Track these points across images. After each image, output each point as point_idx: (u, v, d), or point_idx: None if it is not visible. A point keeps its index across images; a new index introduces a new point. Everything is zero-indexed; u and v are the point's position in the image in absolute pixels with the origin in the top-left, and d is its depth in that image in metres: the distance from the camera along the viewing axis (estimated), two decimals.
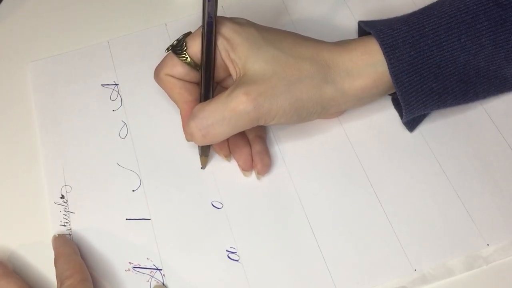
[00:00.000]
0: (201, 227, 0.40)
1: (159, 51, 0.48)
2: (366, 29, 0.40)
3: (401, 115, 0.43)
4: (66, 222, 0.41)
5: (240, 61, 0.37)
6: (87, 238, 0.40)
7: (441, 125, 0.43)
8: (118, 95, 0.47)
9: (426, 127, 0.43)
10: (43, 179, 0.43)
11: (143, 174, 0.43)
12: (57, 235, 0.40)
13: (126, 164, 0.43)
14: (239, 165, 0.42)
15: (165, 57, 0.40)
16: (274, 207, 0.41)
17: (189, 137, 0.38)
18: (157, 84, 0.47)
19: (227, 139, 0.42)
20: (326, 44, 0.39)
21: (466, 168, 0.41)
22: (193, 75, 0.40)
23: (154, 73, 0.41)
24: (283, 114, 0.37)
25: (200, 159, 0.42)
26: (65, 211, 0.41)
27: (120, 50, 0.49)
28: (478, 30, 0.38)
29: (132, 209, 0.41)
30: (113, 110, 0.46)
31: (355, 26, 0.47)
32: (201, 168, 0.43)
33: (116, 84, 0.47)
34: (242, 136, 0.42)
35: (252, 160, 0.41)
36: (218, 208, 0.41)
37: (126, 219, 0.41)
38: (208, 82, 0.39)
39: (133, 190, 0.42)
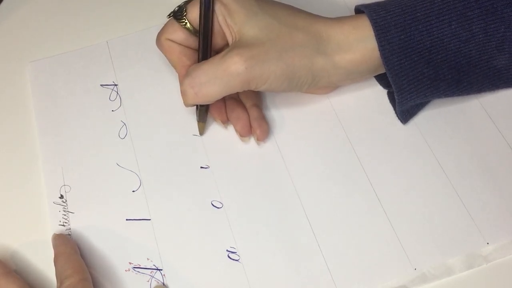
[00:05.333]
0: (201, 227, 0.40)
1: (158, 52, 0.48)
2: (360, 8, 0.41)
3: (395, 109, 0.43)
4: (66, 222, 0.41)
5: (236, 26, 0.39)
6: (87, 238, 0.40)
7: (441, 125, 0.43)
8: (117, 95, 0.47)
9: (426, 127, 0.43)
10: (42, 178, 0.43)
11: (143, 175, 0.42)
12: (56, 234, 0.40)
13: (125, 165, 0.43)
14: (237, 130, 0.43)
15: (167, 22, 0.42)
16: (274, 207, 0.41)
17: (184, 98, 0.40)
18: (156, 84, 0.47)
19: (225, 106, 0.43)
20: (320, 17, 0.41)
21: (465, 167, 0.41)
22: (192, 41, 0.41)
23: (156, 39, 0.42)
24: (274, 79, 0.38)
25: (198, 126, 0.43)
26: (64, 211, 0.41)
27: (119, 50, 0.49)
28: (469, 18, 0.39)
29: (132, 210, 0.41)
30: (112, 110, 0.46)
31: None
32: (199, 135, 0.44)
33: (115, 84, 0.47)
34: (239, 103, 0.43)
35: (251, 126, 0.42)
36: (218, 208, 0.41)
37: (126, 219, 0.41)
38: (205, 46, 0.41)
39: (133, 191, 0.42)
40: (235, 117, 0.42)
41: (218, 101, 0.42)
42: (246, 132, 0.42)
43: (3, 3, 0.53)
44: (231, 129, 0.44)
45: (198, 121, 0.43)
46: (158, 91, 0.46)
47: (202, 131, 0.44)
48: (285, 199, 0.41)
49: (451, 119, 0.43)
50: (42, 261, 0.39)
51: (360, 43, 0.39)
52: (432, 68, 0.39)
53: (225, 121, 0.43)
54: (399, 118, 0.43)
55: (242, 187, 0.42)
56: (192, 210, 0.41)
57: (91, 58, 0.49)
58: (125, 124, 0.45)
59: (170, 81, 0.47)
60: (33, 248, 0.40)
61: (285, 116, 0.45)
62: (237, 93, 0.44)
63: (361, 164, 0.42)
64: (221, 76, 0.38)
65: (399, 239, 0.39)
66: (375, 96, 0.45)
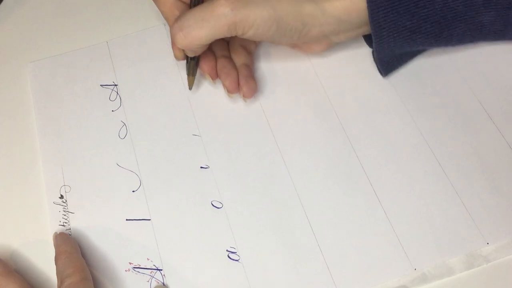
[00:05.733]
0: (201, 227, 0.40)
1: (158, 52, 0.48)
2: None
3: (377, 64, 0.44)
4: (66, 222, 0.41)
5: None
6: (87, 238, 0.40)
7: (441, 125, 0.43)
8: (117, 96, 0.47)
9: (426, 127, 0.43)
10: (42, 178, 0.43)
11: (143, 175, 0.42)
12: (58, 233, 0.40)
13: (125, 165, 0.43)
14: (225, 86, 0.44)
15: None
16: (274, 207, 0.41)
17: (173, 44, 0.41)
18: (156, 85, 0.47)
19: (215, 63, 0.44)
20: None
21: (466, 167, 0.41)
22: None
23: None
24: (262, 23, 0.39)
25: (187, 80, 0.45)
26: (64, 211, 0.41)
27: (119, 50, 0.49)
28: None
29: (132, 210, 0.41)
30: (113, 111, 0.46)
31: None
32: (188, 89, 0.45)
33: (115, 85, 0.47)
34: (230, 61, 0.44)
35: (239, 84, 0.43)
36: (218, 208, 0.41)
37: (126, 219, 0.41)
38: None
39: (133, 191, 0.42)
40: (225, 73, 0.44)
41: (208, 55, 0.43)
42: (233, 88, 0.43)
43: (3, 3, 0.53)
44: (231, 128, 0.44)
45: (187, 75, 0.44)
46: (158, 91, 0.46)
47: (191, 86, 0.45)
48: (285, 199, 0.41)
49: (451, 119, 0.43)
50: (42, 261, 0.39)
51: None
52: (415, 21, 0.40)
53: (214, 77, 0.44)
54: (379, 70, 0.45)
55: (242, 187, 0.42)
56: (192, 210, 0.41)
57: (91, 58, 0.49)
58: (125, 124, 0.45)
59: (170, 81, 0.47)
60: (33, 248, 0.40)
61: (286, 116, 0.45)
62: (229, 52, 0.45)
63: (361, 164, 0.42)
64: (208, 18, 0.38)
65: (399, 239, 0.39)
66: (376, 96, 0.45)
